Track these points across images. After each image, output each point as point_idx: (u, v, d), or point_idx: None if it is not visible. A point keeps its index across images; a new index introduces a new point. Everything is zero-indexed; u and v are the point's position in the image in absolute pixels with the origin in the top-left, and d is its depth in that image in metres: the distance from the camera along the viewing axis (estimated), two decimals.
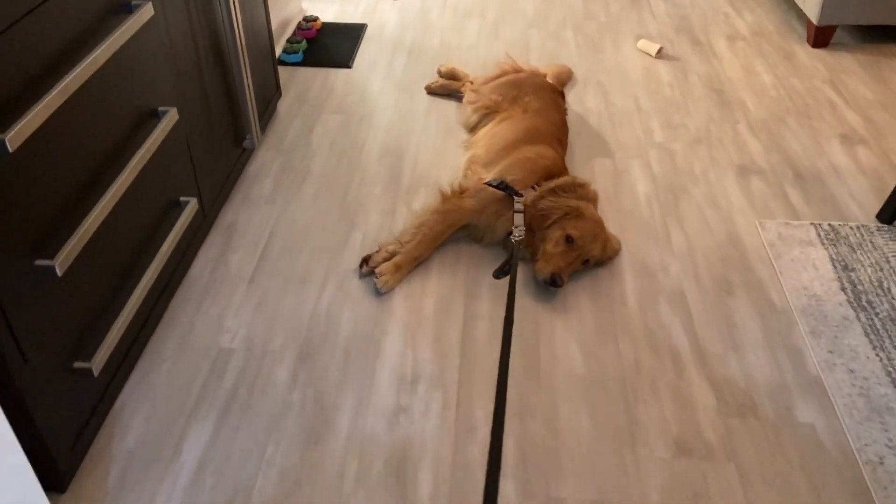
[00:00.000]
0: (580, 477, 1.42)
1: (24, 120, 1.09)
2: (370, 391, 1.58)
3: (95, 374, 1.35)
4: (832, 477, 1.43)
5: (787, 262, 1.91)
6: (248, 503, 1.36)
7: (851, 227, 2.03)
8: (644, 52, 2.97)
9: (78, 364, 1.34)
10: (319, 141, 2.40)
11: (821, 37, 2.98)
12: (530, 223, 1.90)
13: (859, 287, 1.83)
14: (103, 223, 1.40)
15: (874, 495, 1.38)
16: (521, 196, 1.92)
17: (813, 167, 2.32)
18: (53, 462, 1.31)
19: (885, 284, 1.84)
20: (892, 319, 1.74)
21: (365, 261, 1.87)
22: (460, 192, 1.98)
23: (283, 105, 2.58)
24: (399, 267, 1.84)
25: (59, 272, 1.20)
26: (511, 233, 1.87)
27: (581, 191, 1.94)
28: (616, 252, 1.94)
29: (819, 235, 2.00)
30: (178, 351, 1.66)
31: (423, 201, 2.14)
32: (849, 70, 2.85)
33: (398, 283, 1.84)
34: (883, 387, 1.58)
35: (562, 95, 2.48)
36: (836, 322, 1.74)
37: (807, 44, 3.05)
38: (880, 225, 2.04)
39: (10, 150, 1.07)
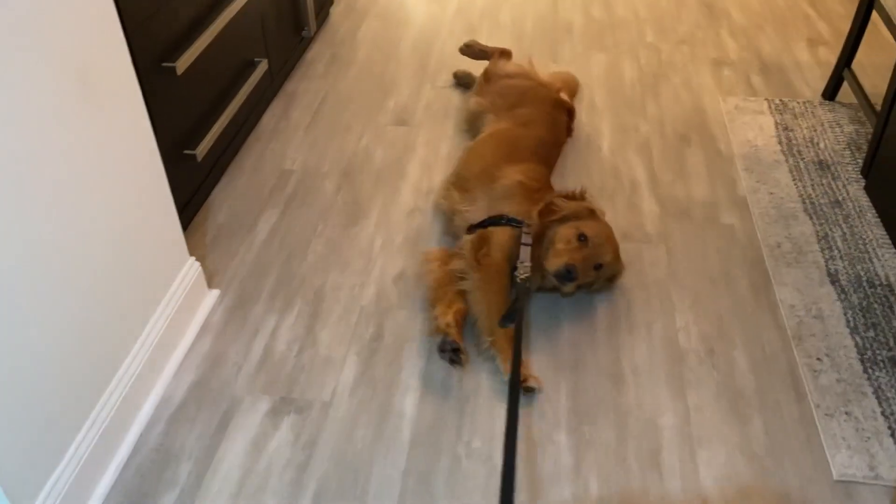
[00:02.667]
0: None
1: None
2: (394, 197, 2.09)
3: (199, 159, 1.89)
4: (738, 254, 1.88)
5: (738, 124, 2.34)
6: (303, 258, 1.89)
7: (798, 102, 2.44)
8: None
9: (187, 151, 1.88)
10: (363, 38, 2.91)
11: None
12: (538, 233, 1.73)
13: (793, 141, 2.25)
14: (210, 46, 1.92)
15: (767, 265, 1.84)
16: (529, 225, 1.74)
17: (777, 61, 2.73)
18: None
19: (815, 140, 2.25)
20: (814, 163, 2.16)
21: (454, 350, 1.58)
22: (484, 252, 1.72)
23: (336, 11, 3.09)
24: (504, 351, 1.57)
25: (178, 72, 1.73)
26: (516, 268, 1.66)
27: (589, 201, 1.84)
28: (621, 272, 1.79)
29: (770, 107, 2.41)
30: (253, 169, 2.20)
31: (444, 82, 2.63)
32: None
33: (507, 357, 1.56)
34: (794, 203, 2.01)
35: (568, 113, 2.26)
36: (768, 163, 2.17)
37: None
38: (823, 101, 2.45)
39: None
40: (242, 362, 1.61)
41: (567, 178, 2.15)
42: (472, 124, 2.30)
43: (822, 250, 1.86)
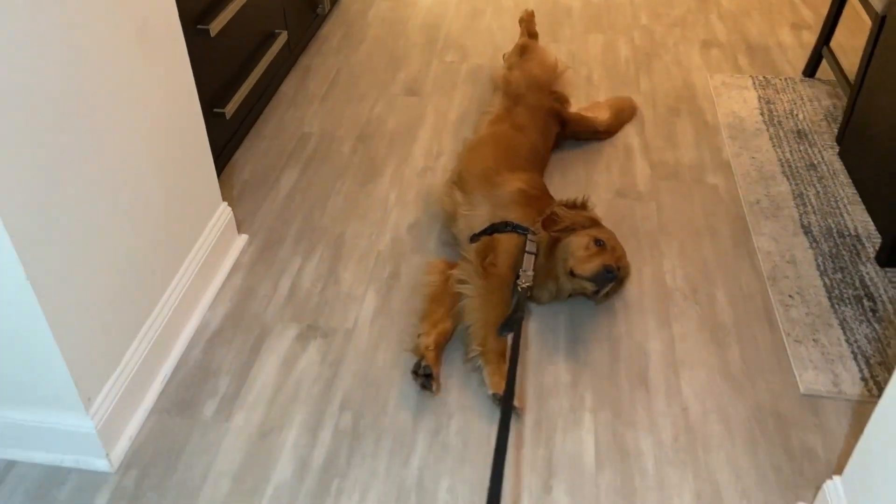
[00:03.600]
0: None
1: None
2: (407, 159, 2.26)
3: (227, 117, 2.05)
4: (721, 210, 2.06)
5: (724, 98, 2.51)
6: (324, 210, 2.06)
7: (780, 79, 2.62)
8: None
9: (217, 109, 2.04)
10: (374, 17, 3.08)
11: None
12: (545, 238, 1.73)
13: (774, 113, 2.43)
14: (238, 13, 2.09)
15: (747, 219, 2.01)
16: (535, 233, 1.74)
17: (763, 43, 2.91)
18: None
19: (795, 112, 2.43)
20: (793, 132, 2.34)
21: (426, 376, 1.53)
22: (490, 260, 1.69)
23: None
24: (500, 370, 1.54)
25: (212, 33, 1.89)
26: (518, 276, 1.65)
27: (589, 210, 1.85)
28: (629, 273, 1.81)
29: (754, 83, 2.59)
30: (274, 132, 2.37)
31: (452, 58, 2.79)
32: None
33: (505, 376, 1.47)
34: (773, 166, 2.19)
35: (562, 123, 2.25)
36: (751, 132, 2.34)
37: None
38: (804, 78, 2.63)
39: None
40: (272, 296, 1.78)
41: (566, 145, 2.32)
42: (495, 88, 2.41)
43: (798, 206, 2.04)
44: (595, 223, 1.78)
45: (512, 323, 1.54)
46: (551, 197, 1.93)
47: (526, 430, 1.48)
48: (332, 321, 1.72)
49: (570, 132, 2.30)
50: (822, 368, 1.58)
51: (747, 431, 1.48)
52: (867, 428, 1.17)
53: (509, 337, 1.55)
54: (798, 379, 1.57)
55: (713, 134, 2.39)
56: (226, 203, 1.85)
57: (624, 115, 2.45)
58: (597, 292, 1.67)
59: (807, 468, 1.41)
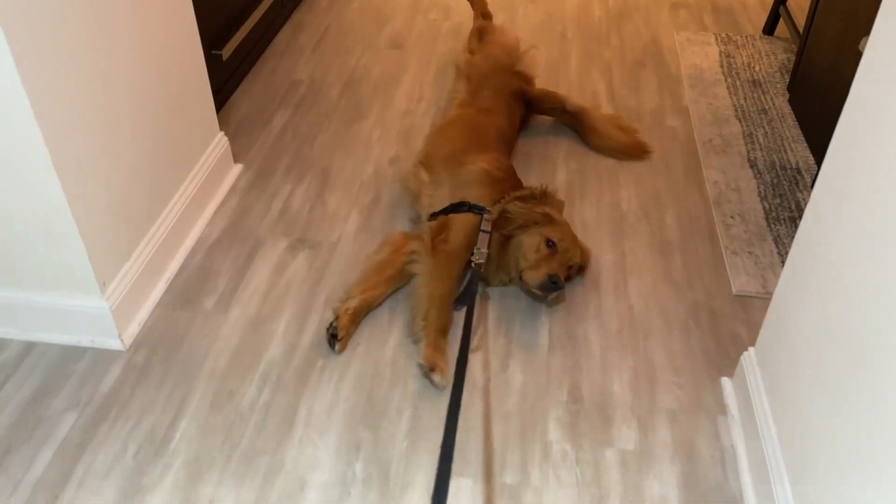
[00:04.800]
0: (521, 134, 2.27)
1: None
2: (390, 102, 2.45)
3: (224, 58, 2.22)
4: (676, 147, 2.26)
5: (688, 53, 2.70)
6: (312, 146, 2.24)
7: (741, 36, 2.81)
8: None
9: (214, 51, 2.21)
10: None
11: None
12: (497, 233, 1.74)
13: (733, 65, 2.62)
14: None
15: (700, 155, 2.21)
16: (490, 213, 1.75)
17: (727, 4, 3.11)
18: None
19: (752, 65, 2.63)
20: (748, 82, 2.53)
21: (333, 336, 1.60)
22: (442, 238, 1.74)
23: None
24: (440, 349, 1.57)
25: None
26: (473, 254, 1.67)
27: (549, 199, 1.83)
28: (587, 260, 1.84)
29: (716, 40, 2.78)
30: (267, 78, 2.55)
31: (435, 16, 2.96)
32: None
33: (446, 351, 1.58)
34: (728, 111, 2.38)
35: (527, 103, 2.29)
36: (710, 82, 2.53)
37: None
38: (763, 35, 2.82)
39: None
40: (265, 214, 1.96)
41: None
42: (457, 74, 2.40)
43: (746, 144, 2.23)
44: (549, 219, 1.75)
45: (465, 297, 1.54)
46: (517, 178, 1.95)
47: (489, 324, 1.68)
48: (319, 235, 1.90)
49: (536, 110, 2.34)
50: (754, 274, 1.78)
51: (683, 324, 1.68)
52: (772, 302, 1.37)
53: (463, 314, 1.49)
54: (732, 283, 1.77)
55: (675, 84, 2.58)
56: (223, 132, 2.03)
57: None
58: (545, 296, 1.71)
59: (732, 351, 1.60)
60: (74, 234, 1.42)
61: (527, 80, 2.38)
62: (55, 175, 1.33)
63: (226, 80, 2.37)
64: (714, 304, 1.73)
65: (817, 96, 2.22)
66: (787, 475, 1.22)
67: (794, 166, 2.14)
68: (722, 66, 2.62)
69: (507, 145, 2.14)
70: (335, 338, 1.61)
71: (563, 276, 1.66)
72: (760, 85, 2.52)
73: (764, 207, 1.99)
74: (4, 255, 1.48)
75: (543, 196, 1.82)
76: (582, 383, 1.54)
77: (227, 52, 2.25)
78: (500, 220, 1.75)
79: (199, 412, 1.46)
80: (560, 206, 1.85)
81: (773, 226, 1.92)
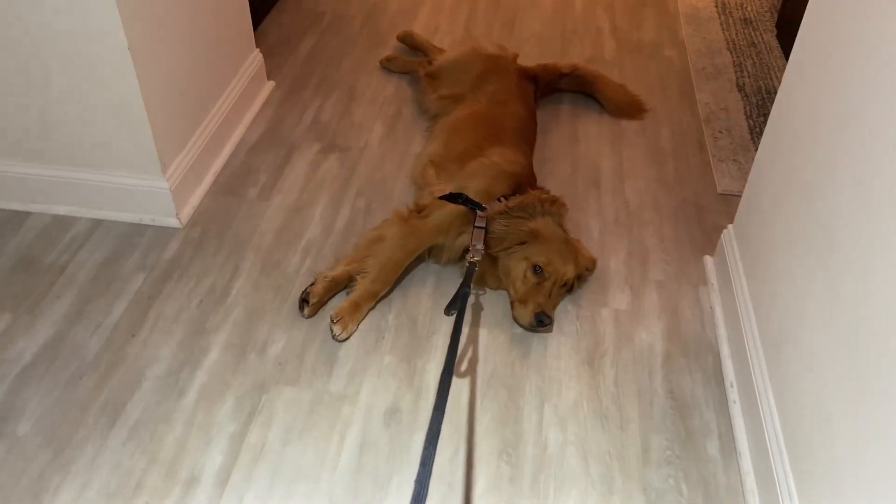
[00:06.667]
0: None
1: None
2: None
3: None
4: (672, 75, 2.46)
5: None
6: (338, 67, 2.44)
7: None
8: None
9: None
10: None
11: None
12: (486, 245, 1.63)
13: (727, 5, 2.83)
14: None
15: (693, 80, 2.41)
16: (485, 209, 1.66)
17: None
18: None
19: (744, 5, 2.83)
20: (740, 20, 2.73)
21: (304, 300, 1.60)
22: (418, 210, 1.71)
23: None
24: (358, 306, 1.58)
25: None
26: (467, 251, 1.61)
27: (547, 207, 1.69)
28: (593, 264, 1.71)
29: None
30: (293, 10, 2.75)
31: None
32: None
33: (358, 326, 1.58)
34: (720, 44, 2.59)
35: (533, 80, 2.21)
36: (705, 19, 2.73)
37: None
38: None
39: None
40: (297, 123, 2.17)
41: (547, 27, 2.70)
42: (434, 119, 2.16)
43: (736, 72, 2.43)
44: (535, 236, 1.63)
45: (457, 300, 1.44)
46: (532, 175, 1.87)
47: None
48: (348, 141, 2.11)
49: (541, 88, 2.25)
50: (737, 177, 1.99)
51: (672, 216, 1.90)
52: (748, 182, 1.58)
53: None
54: (717, 184, 1.99)
55: (673, 20, 2.77)
56: (258, 50, 2.22)
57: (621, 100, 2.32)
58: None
59: (714, 237, 1.83)
60: (143, 116, 1.62)
61: (515, 58, 2.27)
62: (130, 58, 1.53)
63: (255, 7, 2.55)
64: (701, 201, 1.95)
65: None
66: (757, 326, 1.45)
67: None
68: (717, 6, 2.82)
69: (527, 135, 2.01)
70: (305, 302, 1.61)
71: (554, 306, 1.61)
72: (751, 23, 2.71)
73: (749, 125, 2.19)
74: (76, 136, 1.69)
75: (541, 204, 1.68)
76: None
77: None
78: (486, 241, 1.64)
79: (251, 275, 1.68)
80: (560, 211, 1.71)
81: (756, 139, 2.13)
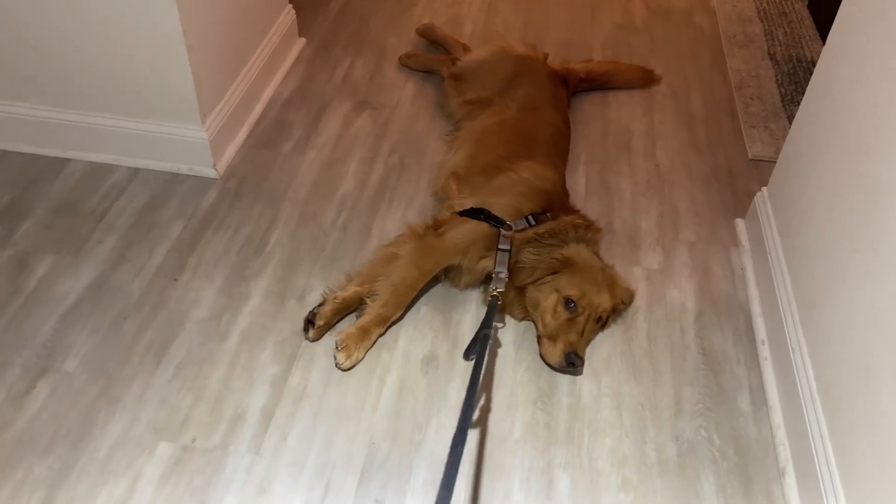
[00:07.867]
0: (558, 29, 2.46)
1: None
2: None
3: None
4: (703, 42, 2.46)
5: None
6: (368, 28, 2.43)
7: None
8: None
9: None
10: None
11: None
12: (512, 276, 1.49)
13: None
14: None
15: (724, 48, 2.41)
16: (510, 228, 1.52)
17: None
18: None
19: None
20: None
21: (309, 321, 1.48)
22: (435, 227, 1.56)
23: None
24: (366, 332, 1.45)
25: None
26: (490, 279, 1.47)
27: (582, 233, 1.54)
28: (631, 297, 1.56)
29: None
30: None
31: None
32: None
33: (365, 353, 1.45)
34: (751, 13, 2.59)
35: (564, 83, 2.05)
36: None
37: None
38: None
39: None
40: (329, 80, 2.17)
41: None
42: (458, 122, 1.99)
43: (767, 40, 2.42)
44: (568, 265, 1.48)
45: (476, 343, 1.33)
46: (565, 192, 1.71)
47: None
48: (380, 99, 2.12)
49: (574, 86, 2.12)
50: (768, 143, 2.00)
51: (704, 179, 1.91)
52: (785, 144, 1.59)
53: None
54: (749, 149, 1.99)
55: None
56: (291, 6, 2.22)
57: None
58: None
59: (745, 201, 1.84)
60: (185, 63, 1.63)
61: (546, 59, 2.11)
62: (175, 4, 1.54)
63: None
64: (732, 166, 1.96)
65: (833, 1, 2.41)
66: (791, 284, 1.47)
67: (809, 60, 2.34)
68: None
69: (561, 147, 1.85)
70: (311, 324, 1.48)
71: (586, 344, 1.47)
72: None
73: (780, 92, 2.19)
74: (117, 83, 1.70)
75: (574, 230, 1.53)
76: (615, 221, 1.78)
77: None
78: (513, 270, 1.50)
79: (287, 225, 1.70)
80: (596, 237, 1.57)
81: (787, 107, 2.13)
